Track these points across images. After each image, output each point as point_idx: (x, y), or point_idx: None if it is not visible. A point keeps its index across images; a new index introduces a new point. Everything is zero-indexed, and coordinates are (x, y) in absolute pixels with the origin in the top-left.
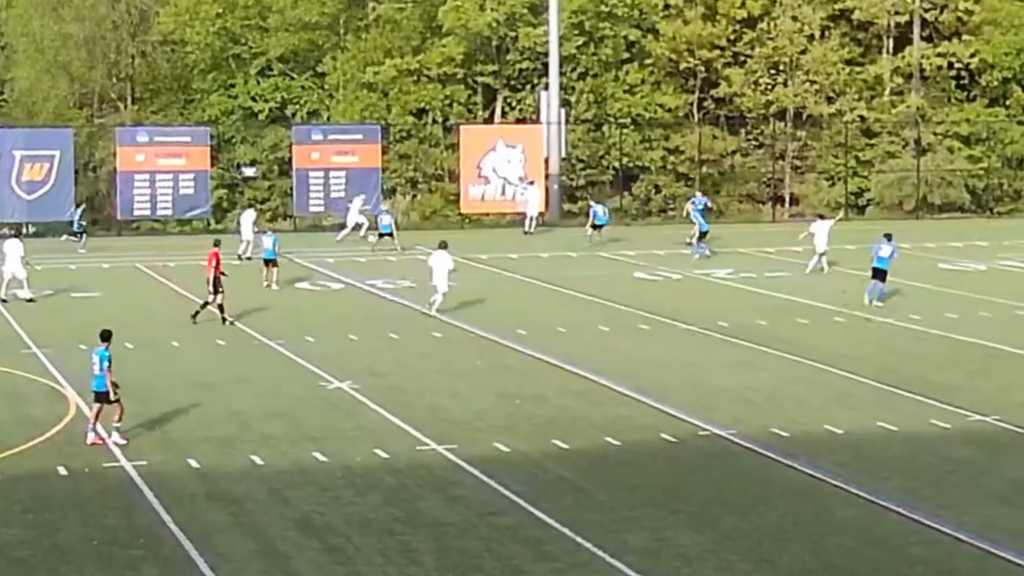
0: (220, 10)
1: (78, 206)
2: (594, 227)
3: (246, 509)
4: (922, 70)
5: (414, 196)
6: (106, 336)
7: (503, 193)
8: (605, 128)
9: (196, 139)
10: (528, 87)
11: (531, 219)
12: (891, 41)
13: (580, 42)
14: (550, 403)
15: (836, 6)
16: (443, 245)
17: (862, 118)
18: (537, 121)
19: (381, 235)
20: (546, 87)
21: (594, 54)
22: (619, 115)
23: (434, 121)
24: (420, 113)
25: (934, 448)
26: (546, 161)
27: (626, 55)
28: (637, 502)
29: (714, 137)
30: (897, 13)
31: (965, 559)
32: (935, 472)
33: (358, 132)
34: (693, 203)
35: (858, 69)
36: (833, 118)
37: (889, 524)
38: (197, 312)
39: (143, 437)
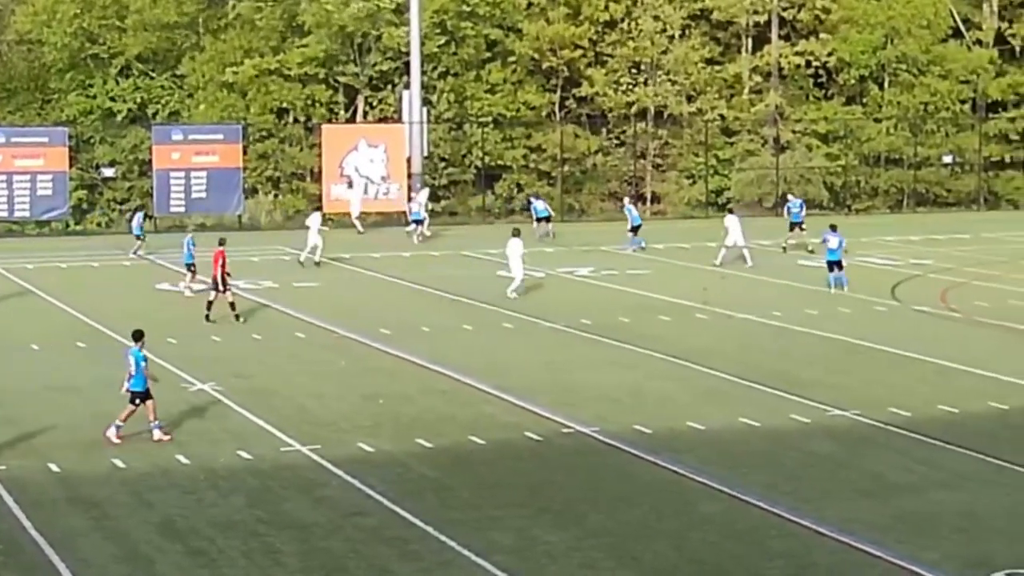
0: (78, 10)
1: (139, 210)
2: (537, 221)
3: (108, 513)
4: (780, 69)
5: (276, 196)
6: (138, 336)
7: (365, 192)
8: (467, 127)
9: (54, 140)
10: (390, 87)
11: (355, 219)
12: (750, 40)
13: (442, 41)
14: (414, 403)
15: (696, 6)
16: (516, 233)
17: (722, 117)
18: (399, 120)
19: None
20: (407, 86)
21: (455, 53)
22: (480, 114)
23: (295, 120)
24: (281, 113)
25: (795, 443)
26: (408, 160)
27: (488, 55)
28: (502, 500)
29: (576, 136)
30: (756, 12)
31: (825, 552)
32: (796, 467)
33: (219, 132)
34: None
35: (718, 68)
36: (693, 117)
37: (751, 518)
38: (208, 313)
39: (2, 441)
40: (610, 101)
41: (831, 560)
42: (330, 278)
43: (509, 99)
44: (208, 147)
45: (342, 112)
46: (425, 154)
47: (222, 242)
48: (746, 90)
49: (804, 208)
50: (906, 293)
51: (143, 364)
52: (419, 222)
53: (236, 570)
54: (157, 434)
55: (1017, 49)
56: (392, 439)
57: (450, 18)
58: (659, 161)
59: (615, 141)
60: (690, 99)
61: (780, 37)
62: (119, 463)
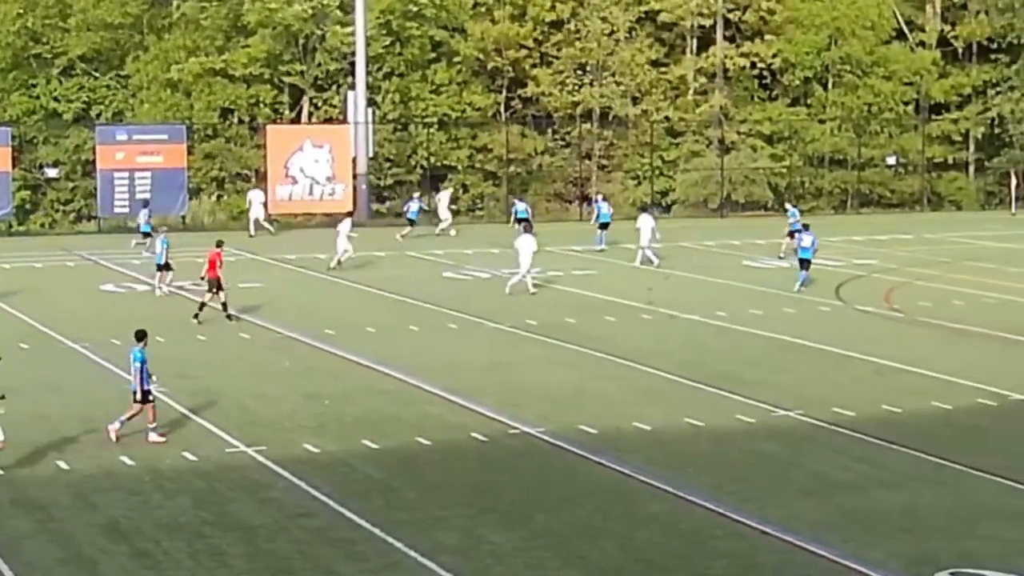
0: (21, 9)
1: (145, 205)
2: (517, 222)
3: (53, 515)
4: (725, 70)
5: (220, 196)
6: (141, 336)
7: (311, 193)
8: (412, 128)
9: None
10: (335, 87)
11: (260, 221)
12: (695, 42)
13: (387, 42)
14: (359, 403)
15: (642, 8)
16: (528, 229)
17: (667, 118)
18: (344, 121)
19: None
20: (353, 87)
21: (400, 54)
22: (426, 115)
23: (240, 121)
24: (225, 113)
25: (739, 443)
26: (353, 161)
27: (433, 55)
28: (448, 501)
29: (522, 136)
30: (701, 14)
31: (769, 552)
32: (740, 466)
33: (163, 132)
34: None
35: (663, 70)
36: (639, 118)
37: (695, 518)
38: (228, 312)
39: None
40: (556, 101)
41: (775, 559)
42: (275, 278)
43: (454, 100)
44: (152, 147)
45: (287, 112)
46: (370, 155)
47: (219, 243)
48: (691, 91)
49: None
50: (850, 293)
51: (146, 365)
52: (413, 222)
53: (182, 571)
54: (153, 436)
55: (960, 51)
56: (337, 440)
57: (396, 18)
58: (604, 162)
59: (561, 142)
60: (635, 100)
61: (725, 38)
62: (63, 465)
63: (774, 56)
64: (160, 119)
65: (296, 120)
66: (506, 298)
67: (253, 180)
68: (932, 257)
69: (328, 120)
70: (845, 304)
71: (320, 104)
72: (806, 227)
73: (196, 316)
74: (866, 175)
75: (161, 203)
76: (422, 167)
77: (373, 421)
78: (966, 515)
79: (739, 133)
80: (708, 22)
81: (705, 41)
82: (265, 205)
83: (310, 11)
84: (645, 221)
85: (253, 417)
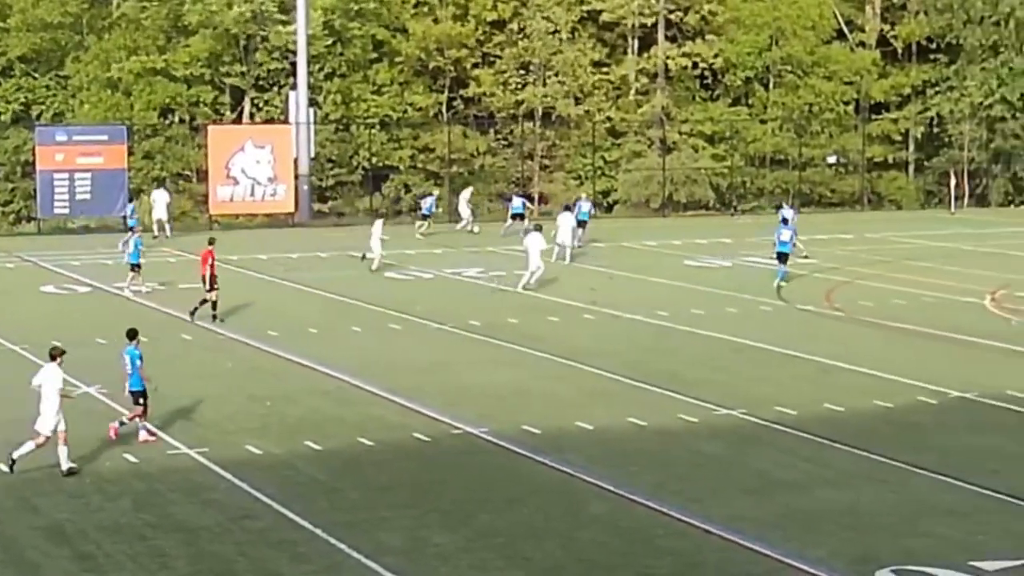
0: None
1: (130, 200)
2: (512, 218)
3: None
4: (667, 70)
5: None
6: (133, 334)
7: (252, 194)
8: (354, 128)
9: None
10: (276, 87)
11: (163, 222)
12: (636, 42)
13: (329, 42)
14: (301, 404)
15: (584, 8)
16: (538, 228)
17: (609, 118)
18: (286, 122)
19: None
20: (294, 87)
21: (342, 54)
22: (367, 115)
23: (181, 120)
24: (166, 112)
25: (682, 442)
26: (295, 161)
27: (375, 55)
28: (391, 502)
29: (464, 136)
30: (643, 14)
31: (712, 550)
32: (683, 466)
33: (103, 133)
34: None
35: (604, 70)
36: (581, 118)
37: (639, 517)
38: (195, 309)
39: None
40: (498, 101)
41: (719, 558)
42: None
43: (396, 100)
44: (93, 148)
45: (228, 113)
46: (312, 155)
47: (211, 242)
48: (632, 91)
49: (796, 216)
50: (791, 293)
51: (139, 363)
52: (427, 217)
53: (124, 574)
54: (143, 435)
55: (899, 51)
56: (280, 441)
57: (337, 18)
58: (547, 162)
59: (503, 142)
60: (578, 100)
61: (666, 39)
62: (2, 467)
63: (715, 56)
64: (100, 119)
65: (237, 120)
66: (448, 298)
67: (194, 180)
68: (873, 256)
69: (269, 120)
70: (787, 303)
71: (261, 104)
72: (785, 222)
73: (213, 317)
74: (807, 175)
75: (102, 205)
76: (364, 168)
77: (316, 422)
78: (907, 512)
79: (680, 133)
80: (650, 22)
81: (647, 41)
82: (169, 206)
83: (250, 12)
84: (565, 219)
85: (195, 418)
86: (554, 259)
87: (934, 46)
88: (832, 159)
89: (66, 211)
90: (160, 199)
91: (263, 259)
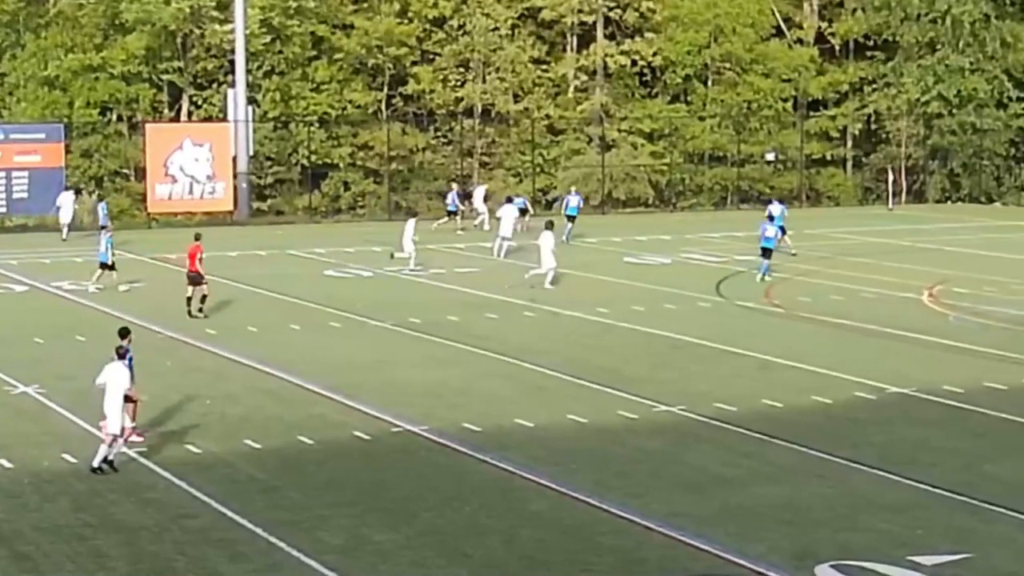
0: None
1: (101, 200)
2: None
3: None
4: (606, 68)
5: (100, 195)
6: (124, 333)
7: (191, 192)
8: (292, 126)
9: None
10: (215, 85)
11: (65, 225)
12: (576, 39)
13: (267, 39)
14: (241, 403)
15: (524, 5)
16: (549, 226)
17: (548, 116)
18: (224, 119)
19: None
20: (232, 85)
21: (280, 52)
22: (306, 113)
23: (119, 118)
24: (104, 110)
25: (623, 439)
26: (234, 159)
27: (314, 52)
28: (331, 500)
29: (404, 133)
30: (582, 11)
31: (653, 547)
32: (624, 462)
33: (40, 131)
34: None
35: (544, 67)
36: (520, 115)
37: (580, 514)
38: (200, 306)
39: None
40: (438, 98)
41: (660, 554)
42: (156, 279)
43: (335, 97)
44: (30, 146)
45: (167, 111)
46: (250, 153)
47: (197, 237)
48: (572, 89)
49: (785, 211)
50: (731, 289)
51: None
52: (452, 213)
53: (63, 575)
54: (132, 436)
55: (837, 48)
56: (219, 440)
57: (276, 16)
58: (486, 159)
59: (442, 139)
60: (517, 98)
61: (606, 36)
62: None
63: (655, 54)
64: (37, 117)
65: (176, 118)
66: (388, 296)
67: (132, 178)
68: (811, 252)
69: (208, 118)
70: (726, 300)
71: (200, 102)
72: (771, 218)
73: (200, 311)
74: (746, 171)
75: (39, 203)
76: (303, 165)
77: (255, 421)
78: (846, 508)
79: (620, 131)
80: (589, 20)
81: (586, 39)
82: (76, 210)
83: (188, 9)
84: (507, 212)
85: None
86: (494, 254)
87: (871, 43)
88: (771, 156)
89: (3, 210)
90: (66, 201)
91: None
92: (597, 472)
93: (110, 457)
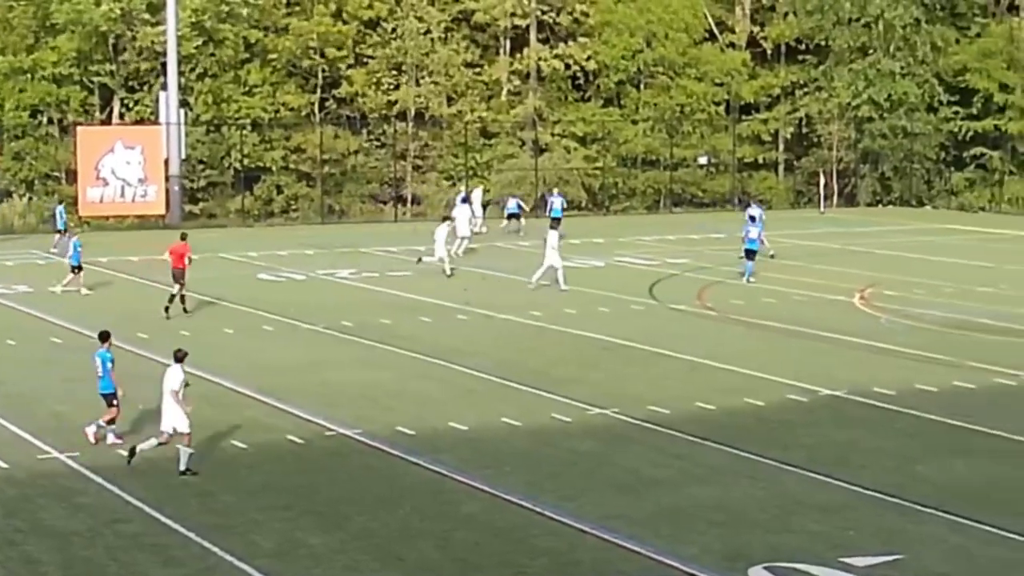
0: None
1: (60, 203)
2: (508, 218)
3: None
4: (539, 72)
5: (31, 198)
6: (105, 337)
7: (122, 195)
8: (225, 129)
9: None
10: (146, 87)
11: None
12: (509, 43)
13: (199, 42)
14: None
15: (457, 8)
16: (554, 226)
17: (481, 119)
18: (156, 122)
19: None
20: (164, 88)
21: (213, 55)
22: (239, 116)
23: (50, 121)
24: (35, 113)
25: (555, 441)
26: (166, 162)
27: (247, 55)
28: (264, 504)
29: (336, 136)
30: (515, 15)
31: (587, 549)
32: (557, 464)
33: None
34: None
35: (477, 71)
36: (454, 119)
37: (514, 517)
38: (184, 306)
39: None
40: (371, 101)
41: (593, 556)
42: (87, 282)
43: (268, 100)
44: None
45: (98, 113)
46: (183, 156)
47: (184, 236)
48: (505, 92)
49: (763, 214)
50: (663, 292)
51: (109, 366)
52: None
53: None
54: (111, 438)
55: (769, 52)
56: None
57: (207, 19)
58: (419, 163)
59: (375, 142)
60: (450, 101)
61: (539, 40)
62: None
63: (588, 58)
64: None
65: (107, 121)
66: (321, 299)
67: (63, 181)
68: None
69: (140, 121)
70: (659, 303)
71: (131, 105)
72: (752, 219)
73: (184, 309)
74: (678, 175)
75: None
76: (236, 169)
77: None
78: (778, 509)
79: (553, 134)
80: (523, 23)
81: (519, 43)
82: None
83: (119, 10)
84: (462, 212)
85: (65, 422)
86: (455, 250)
87: (803, 47)
88: (703, 159)
89: None
90: None
91: (134, 260)
92: (530, 474)
93: (184, 462)
